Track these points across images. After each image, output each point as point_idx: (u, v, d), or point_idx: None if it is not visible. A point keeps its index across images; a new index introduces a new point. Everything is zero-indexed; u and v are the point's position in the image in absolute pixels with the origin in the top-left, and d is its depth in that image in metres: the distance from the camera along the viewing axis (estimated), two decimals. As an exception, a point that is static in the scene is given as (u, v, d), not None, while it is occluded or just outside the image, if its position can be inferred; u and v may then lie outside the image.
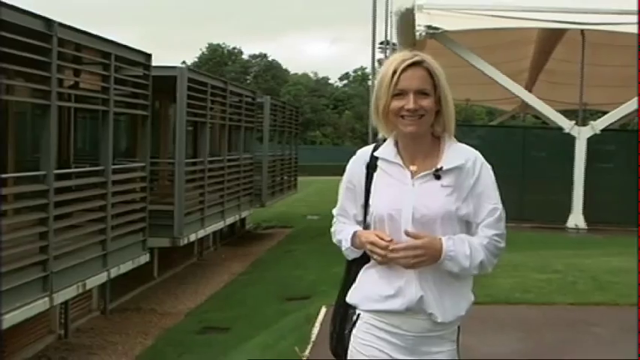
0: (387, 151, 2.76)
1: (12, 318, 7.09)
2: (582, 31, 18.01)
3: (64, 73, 8.37)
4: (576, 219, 16.91)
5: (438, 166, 2.67)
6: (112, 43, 9.24)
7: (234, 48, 78.51)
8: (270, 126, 19.59)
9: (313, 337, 6.97)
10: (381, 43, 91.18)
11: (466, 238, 2.66)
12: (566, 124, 17.51)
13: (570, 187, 16.83)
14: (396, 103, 2.64)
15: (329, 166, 48.38)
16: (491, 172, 2.75)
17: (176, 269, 15.95)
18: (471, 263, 2.63)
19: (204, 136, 13.63)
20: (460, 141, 2.78)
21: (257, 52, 79.34)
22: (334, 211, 2.93)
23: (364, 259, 2.79)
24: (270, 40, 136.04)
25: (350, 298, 2.81)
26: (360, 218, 2.81)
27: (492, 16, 17.13)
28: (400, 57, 2.67)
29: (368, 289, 2.75)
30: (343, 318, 2.86)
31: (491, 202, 2.70)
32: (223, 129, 15.24)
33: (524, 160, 17.92)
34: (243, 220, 20.75)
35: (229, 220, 16.01)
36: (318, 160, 46.82)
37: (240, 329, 10.98)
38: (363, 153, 2.84)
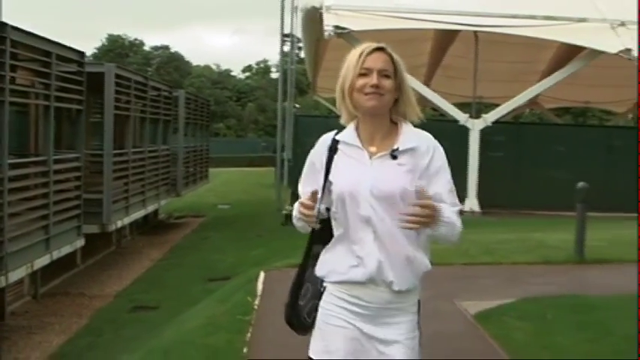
0: (347, 134, 2.96)
1: None
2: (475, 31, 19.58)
3: (16, 72, 9.08)
4: (471, 203, 18.45)
5: (395, 147, 2.87)
6: (52, 42, 9.98)
7: (135, 39, 78.10)
8: (184, 119, 20.41)
9: (259, 292, 8.24)
10: (285, 35, 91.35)
11: (447, 207, 2.85)
12: (462, 117, 19.06)
13: (466, 174, 18.34)
14: (360, 81, 2.86)
15: (234, 157, 49.25)
16: (443, 153, 2.97)
17: (97, 257, 16.58)
18: (458, 229, 2.86)
19: (128, 129, 14.40)
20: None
21: (159, 44, 79.24)
22: (299, 192, 3.09)
23: (324, 236, 2.98)
24: (171, 31, 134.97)
25: (318, 271, 2.96)
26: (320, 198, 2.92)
27: (394, 17, 18.45)
28: (366, 44, 2.95)
29: (333, 262, 2.91)
30: (298, 290, 3.02)
31: (445, 178, 2.92)
32: (144, 122, 16.01)
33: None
34: (156, 211, 21.48)
35: (150, 209, 16.82)
36: (222, 152, 47.43)
37: (169, 307, 11.88)
38: (326, 137, 3.06)
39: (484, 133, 18.76)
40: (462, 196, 18.31)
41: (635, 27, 17.89)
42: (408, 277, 2.82)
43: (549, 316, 6.34)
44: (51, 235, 10.01)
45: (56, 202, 10.30)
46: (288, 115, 23.91)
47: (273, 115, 70.62)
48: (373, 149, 2.88)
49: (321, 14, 19.35)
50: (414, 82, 20.46)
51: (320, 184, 2.92)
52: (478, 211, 18.27)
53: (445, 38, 23.80)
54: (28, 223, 9.49)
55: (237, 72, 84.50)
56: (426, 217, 2.71)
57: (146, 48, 77.73)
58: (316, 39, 25.29)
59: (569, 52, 21.12)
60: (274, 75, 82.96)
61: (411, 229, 2.74)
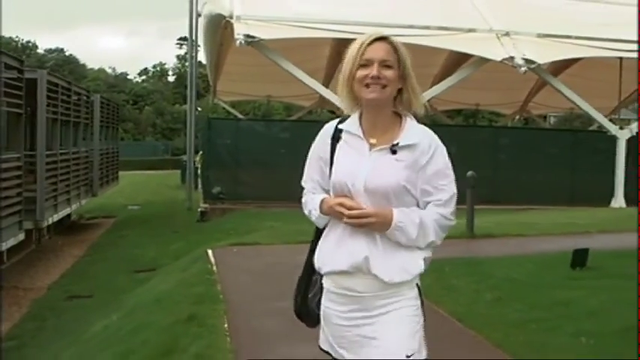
0: (350, 123, 2.88)
1: None
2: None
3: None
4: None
5: (395, 142, 2.79)
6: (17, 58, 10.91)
7: (28, 42, 76.87)
8: (99, 122, 21.26)
9: (213, 261, 9.70)
10: (180, 38, 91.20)
11: (418, 211, 2.79)
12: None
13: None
14: (361, 72, 2.77)
15: (134, 160, 49.55)
16: (445, 153, 2.88)
17: (20, 255, 17.28)
18: (418, 236, 2.77)
19: (56, 131, 15.27)
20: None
21: (53, 47, 78.29)
22: (303, 184, 3.04)
23: None
24: (62, 33, 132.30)
25: (315, 262, 2.94)
26: (328, 187, 2.90)
27: (298, 26, 19.89)
28: (367, 34, 2.84)
29: (325, 253, 2.88)
30: (307, 283, 3.02)
31: (443, 180, 2.82)
32: (67, 125, 16.87)
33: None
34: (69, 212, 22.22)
35: (74, 207, 17.65)
36: (123, 155, 47.84)
37: (102, 295, 12.87)
38: (329, 126, 2.97)
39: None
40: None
41: (519, 37, 20.07)
42: (397, 270, 2.77)
43: (447, 269, 8.16)
44: (4, 226, 10.90)
45: (2, 198, 11.20)
46: (189, 117, 24.75)
47: (170, 119, 71.24)
48: (373, 140, 2.82)
49: (227, 22, 20.57)
50: (317, 86, 22.09)
51: (327, 173, 2.91)
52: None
53: (344, 44, 25.28)
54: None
55: (132, 75, 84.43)
56: (368, 223, 2.73)
57: (40, 51, 76.62)
58: (219, 44, 26.43)
59: (460, 57, 23.06)
60: (170, 78, 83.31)
61: (354, 225, 2.76)
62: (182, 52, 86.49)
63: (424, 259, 2.85)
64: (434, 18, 19.76)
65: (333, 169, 2.87)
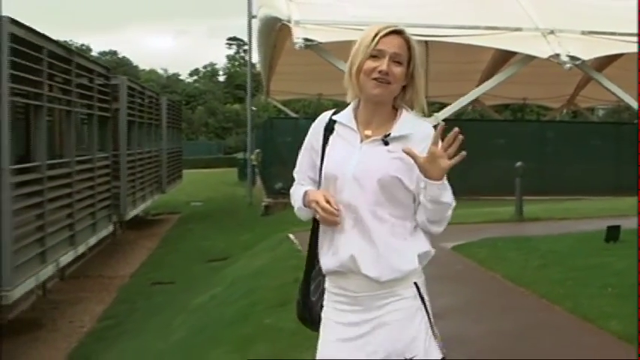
0: (344, 115, 2.80)
1: (21, 289, 9.13)
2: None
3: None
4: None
5: (387, 132, 2.69)
6: (93, 61, 12.25)
7: (82, 45, 79.03)
8: (166, 123, 22.67)
9: (297, 243, 10.96)
10: (230, 39, 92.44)
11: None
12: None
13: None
14: (370, 63, 2.66)
15: (189, 159, 51.15)
16: None
17: (99, 247, 18.73)
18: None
19: (134, 133, 16.64)
20: None
21: (106, 49, 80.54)
22: (294, 174, 2.96)
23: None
24: (113, 34, 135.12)
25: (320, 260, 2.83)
26: (317, 179, 2.81)
27: (355, 29, 20.99)
28: (383, 24, 2.72)
29: (320, 251, 2.80)
30: (309, 285, 2.91)
31: None
32: (142, 126, 18.26)
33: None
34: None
35: (148, 203, 19.06)
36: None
37: (183, 282, 14.16)
38: (323, 117, 2.88)
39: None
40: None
41: (564, 34, 20.91)
42: (388, 268, 2.65)
43: (499, 244, 9.80)
44: (96, 219, 12.23)
45: (98, 193, 12.55)
46: (249, 117, 25.95)
47: (222, 118, 73.03)
48: (368, 132, 2.72)
49: (282, 25, 21.75)
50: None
51: (317, 165, 2.82)
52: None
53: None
54: (79, 211, 11.72)
55: (184, 75, 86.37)
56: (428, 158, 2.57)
57: (94, 53, 78.74)
58: (273, 45, 27.65)
59: (506, 54, 23.97)
60: (221, 78, 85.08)
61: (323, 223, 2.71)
62: (231, 52, 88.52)
63: (419, 256, 2.72)
64: (482, 18, 20.73)
65: (325, 160, 2.78)
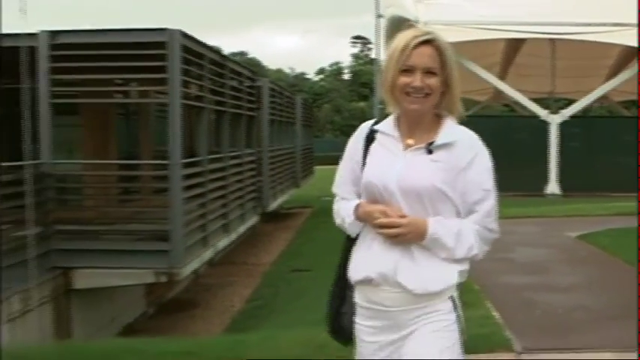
0: (386, 124, 2.75)
1: (189, 268, 10.23)
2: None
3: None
4: (552, 188, 21.43)
5: (431, 141, 2.64)
6: (242, 65, 13.46)
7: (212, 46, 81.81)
8: (301, 121, 23.95)
9: None
10: (355, 37, 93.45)
11: (457, 222, 2.62)
12: (542, 113, 22.05)
13: (545, 164, 21.32)
14: (403, 79, 2.60)
15: (317, 156, 52.58)
16: (487, 157, 2.69)
17: (241, 238, 20.14)
18: (456, 248, 2.60)
19: (274, 131, 17.89)
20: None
21: (234, 49, 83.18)
22: (334, 189, 2.91)
23: None
24: (240, 35, 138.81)
25: (348, 272, 2.80)
26: (360, 191, 2.77)
27: (480, 29, 21.57)
28: (412, 33, 2.64)
29: (356, 261, 2.76)
30: (339, 297, 2.87)
31: (484, 186, 2.65)
32: (280, 124, 19.52)
33: (506, 142, 22.24)
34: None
35: (286, 196, 20.37)
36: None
37: (320, 270, 15.13)
38: (364, 127, 2.84)
39: (561, 126, 21.67)
40: (543, 182, 21.38)
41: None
42: (425, 281, 2.60)
43: (621, 233, 10.64)
44: (245, 211, 13.45)
45: (246, 186, 13.77)
46: (375, 115, 26.86)
47: (348, 116, 74.28)
48: (411, 141, 2.67)
49: (409, 24, 22.44)
50: (495, 81, 23.68)
51: (357, 175, 2.76)
52: (559, 194, 21.20)
53: (519, 41, 26.57)
54: (231, 202, 12.95)
55: (310, 74, 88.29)
56: (401, 233, 2.57)
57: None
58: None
59: (634, 49, 23.82)
60: (346, 76, 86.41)
61: (384, 235, 2.62)
62: (356, 50, 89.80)
63: (460, 272, 2.67)
64: (608, 15, 20.81)
65: (366, 170, 2.72)
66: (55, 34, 9.40)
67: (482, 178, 2.65)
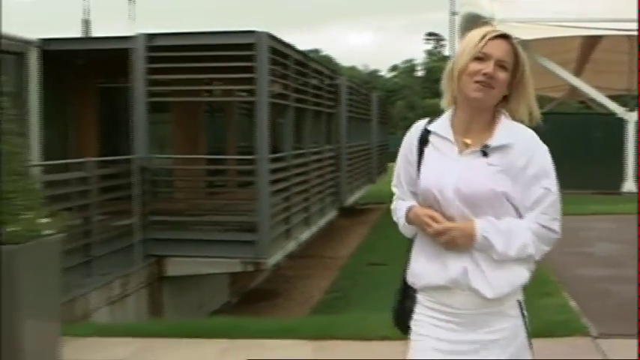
0: (439, 125, 2.69)
1: (274, 258, 10.82)
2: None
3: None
4: (629, 185, 21.27)
5: (486, 143, 2.56)
6: (321, 64, 13.92)
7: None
8: (377, 118, 24.38)
9: None
10: (428, 34, 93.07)
11: (510, 220, 2.55)
12: (619, 110, 21.88)
13: (621, 162, 21.16)
14: (474, 65, 2.53)
15: (390, 152, 53.18)
16: (547, 155, 2.61)
17: (320, 232, 20.65)
18: (508, 247, 2.51)
19: (351, 127, 18.33)
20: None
21: (308, 47, 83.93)
22: (392, 188, 2.89)
23: None
24: (314, 32, 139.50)
25: (407, 278, 2.75)
26: (416, 191, 2.70)
27: (557, 26, 21.52)
28: (490, 27, 2.63)
29: (419, 266, 2.67)
30: (403, 294, 2.80)
31: (542, 185, 2.56)
32: (356, 121, 19.95)
33: (583, 140, 22.15)
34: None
35: (362, 192, 20.85)
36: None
37: (395, 264, 15.46)
38: (417, 127, 2.76)
39: (638, 123, 21.44)
40: (620, 180, 21.21)
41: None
42: (498, 284, 2.53)
43: None
44: (324, 205, 13.91)
45: (325, 181, 14.24)
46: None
47: (421, 112, 74.12)
48: (468, 141, 2.60)
49: (483, 22, 22.53)
50: (571, 78, 23.57)
51: (414, 178, 2.69)
52: (635, 192, 21.01)
53: (596, 39, 26.30)
54: (312, 196, 13.42)
55: (383, 71, 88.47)
56: (451, 239, 2.52)
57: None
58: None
59: None
60: (419, 73, 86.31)
61: (438, 242, 2.55)
62: (430, 47, 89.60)
63: (526, 273, 2.61)
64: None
65: (421, 175, 2.65)
66: (151, 36, 10.01)
67: (539, 177, 2.55)
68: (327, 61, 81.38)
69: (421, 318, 2.67)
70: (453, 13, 30.20)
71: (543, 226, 2.53)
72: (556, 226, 2.56)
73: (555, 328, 5.75)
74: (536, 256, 2.56)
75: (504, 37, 2.57)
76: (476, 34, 2.58)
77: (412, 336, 2.72)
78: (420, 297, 2.68)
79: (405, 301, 2.77)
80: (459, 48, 2.64)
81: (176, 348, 5.89)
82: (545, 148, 2.59)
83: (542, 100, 49.27)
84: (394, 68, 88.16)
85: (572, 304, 6.93)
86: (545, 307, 6.53)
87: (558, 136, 19.84)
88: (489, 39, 2.54)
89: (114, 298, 8.94)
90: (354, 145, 18.78)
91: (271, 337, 6.03)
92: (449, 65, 2.63)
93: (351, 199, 18.45)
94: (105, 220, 9.37)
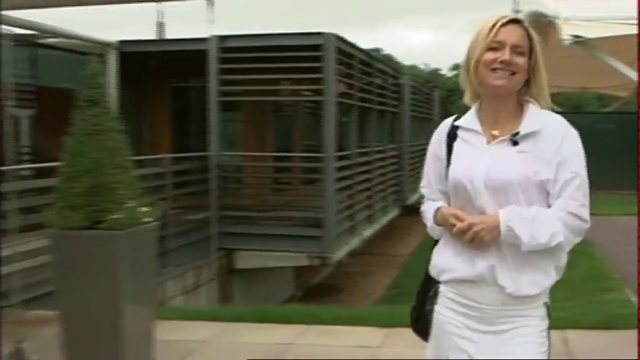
0: (466, 118, 2.63)
1: (339, 254, 11.18)
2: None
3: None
4: None
5: (515, 131, 2.49)
6: (386, 64, 14.18)
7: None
8: (439, 117, 24.58)
9: None
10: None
11: (536, 208, 2.44)
12: None
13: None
14: (489, 55, 2.47)
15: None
16: (577, 142, 2.52)
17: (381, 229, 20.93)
18: (535, 236, 2.40)
19: (414, 126, 18.54)
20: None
21: (369, 46, 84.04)
22: (421, 189, 2.81)
23: None
24: (374, 31, 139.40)
25: (430, 270, 2.70)
26: (447, 190, 2.63)
27: (619, 24, 21.33)
28: (500, 15, 2.54)
29: (444, 259, 2.61)
30: (425, 295, 2.73)
31: (571, 170, 2.46)
32: (418, 120, 20.16)
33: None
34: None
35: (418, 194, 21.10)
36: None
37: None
38: (445, 124, 2.74)
39: None
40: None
41: None
42: (525, 282, 2.46)
43: None
44: (387, 203, 14.18)
45: (388, 179, 14.51)
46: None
47: (482, 112, 73.72)
48: (496, 132, 2.53)
49: (550, 22, 22.47)
50: (637, 76, 23.28)
51: (442, 173, 2.64)
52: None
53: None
54: (375, 194, 13.69)
55: (444, 70, 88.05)
56: (475, 234, 2.42)
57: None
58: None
59: None
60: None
61: (463, 242, 2.48)
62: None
63: (556, 268, 2.52)
64: None
65: (450, 168, 2.58)
66: (223, 38, 10.42)
67: (568, 161, 2.45)
68: (389, 60, 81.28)
69: (443, 312, 2.60)
70: (516, 11, 29.94)
71: (571, 213, 2.42)
72: (585, 213, 2.45)
73: (617, 320, 5.93)
74: (566, 246, 2.47)
75: (516, 21, 2.51)
76: (486, 23, 2.52)
77: (434, 329, 2.65)
78: (442, 288, 2.61)
79: (424, 304, 2.70)
80: (471, 40, 2.56)
81: (256, 330, 6.25)
82: (574, 132, 2.53)
83: (608, 99, 49.07)
84: (456, 67, 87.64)
85: (634, 299, 7.07)
86: (608, 301, 6.71)
87: (623, 135, 19.79)
88: (501, 26, 2.48)
89: (188, 287, 9.38)
90: (417, 144, 18.99)
91: (343, 324, 6.35)
92: (464, 60, 2.58)
93: (412, 198, 18.65)
94: (180, 213, 9.81)
